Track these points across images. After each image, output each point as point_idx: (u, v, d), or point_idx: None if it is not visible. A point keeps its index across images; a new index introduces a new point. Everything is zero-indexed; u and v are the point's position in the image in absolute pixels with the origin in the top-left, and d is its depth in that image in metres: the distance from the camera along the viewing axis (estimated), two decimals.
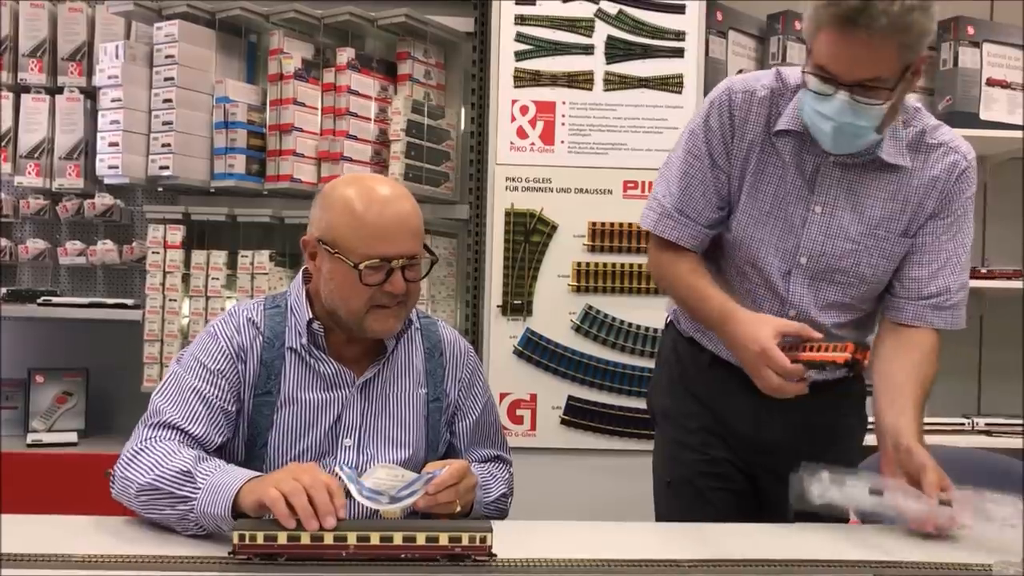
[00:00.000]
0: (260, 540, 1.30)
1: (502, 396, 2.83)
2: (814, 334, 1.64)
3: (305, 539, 1.30)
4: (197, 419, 1.58)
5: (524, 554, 1.38)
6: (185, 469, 1.46)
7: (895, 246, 1.77)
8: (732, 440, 1.88)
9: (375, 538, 1.31)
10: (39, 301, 2.95)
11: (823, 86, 1.60)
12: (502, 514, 1.75)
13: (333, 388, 1.67)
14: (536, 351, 2.84)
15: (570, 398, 2.84)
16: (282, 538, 1.30)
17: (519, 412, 2.85)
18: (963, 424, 2.99)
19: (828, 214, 1.75)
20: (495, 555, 1.34)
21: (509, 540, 1.38)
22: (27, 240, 3.11)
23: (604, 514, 1.85)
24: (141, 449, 1.52)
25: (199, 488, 1.43)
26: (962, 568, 1.40)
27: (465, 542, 1.32)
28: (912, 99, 1.80)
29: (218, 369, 1.62)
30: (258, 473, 1.46)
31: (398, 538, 1.31)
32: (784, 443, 1.83)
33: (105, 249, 3.03)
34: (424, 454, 1.71)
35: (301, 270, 1.73)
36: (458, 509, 1.52)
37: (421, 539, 1.32)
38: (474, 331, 3.04)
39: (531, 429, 2.84)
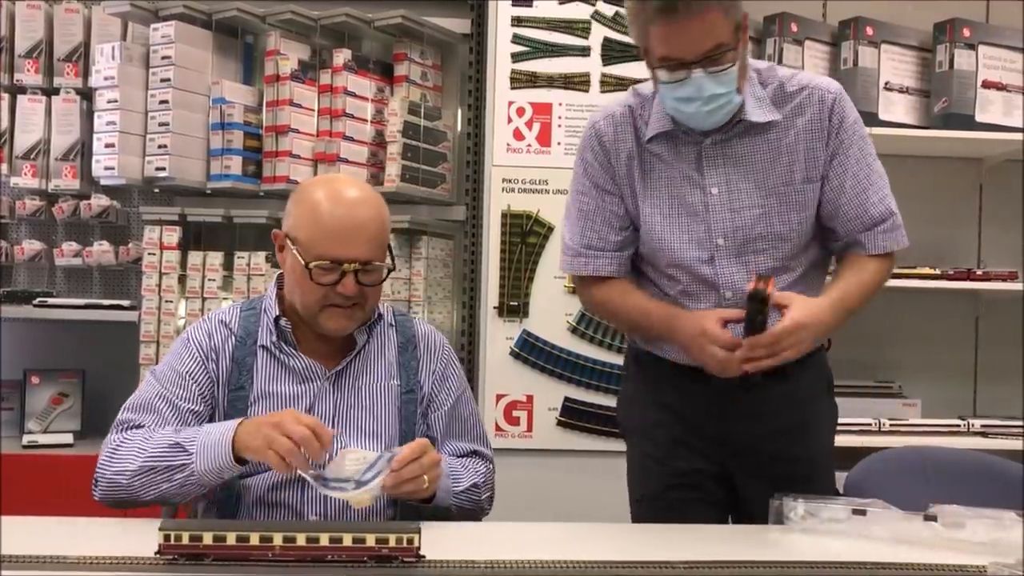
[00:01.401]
0: (185, 540, 1.30)
1: (498, 397, 2.83)
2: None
3: (231, 539, 1.30)
4: (164, 421, 1.66)
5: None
6: (171, 442, 1.58)
7: (800, 195, 1.81)
8: (704, 446, 1.85)
9: (301, 539, 1.31)
10: (35, 302, 2.95)
11: (675, 73, 1.68)
12: (476, 507, 1.76)
13: (305, 381, 1.72)
14: (532, 352, 2.84)
15: (566, 399, 2.84)
16: (207, 538, 1.30)
17: (515, 413, 2.85)
18: (959, 425, 2.99)
19: (725, 191, 1.80)
20: (423, 556, 1.34)
21: (472, 540, 1.38)
22: (23, 241, 3.10)
23: (600, 516, 1.85)
24: (117, 447, 1.62)
25: (191, 452, 1.55)
26: (957, 569, 1.40)
27: (392, 543, 1.32)
28: (760, 62, 1.87)
29: (187, 372, 1.70)
30: (238, 420, 1.58)
31: (324, 539, 1.31)
32: (758, 441, 1.84)
33: (101, 250, 3.03)
34: (399, 445, 1.69)
35: (278, 273, 1.79)
36: (426, 485, 1.55)
37: (348, 540, 1.32)
38: (470, 332, 3.04)
39: (527, 430, 2.84)
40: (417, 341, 1.82)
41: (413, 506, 1.64)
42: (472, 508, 1.75)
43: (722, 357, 1.68)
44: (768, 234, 1.80)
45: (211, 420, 1.69)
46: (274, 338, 1.73)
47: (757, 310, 1.66)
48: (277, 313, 1.73)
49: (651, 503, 1.90)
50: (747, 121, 1.78)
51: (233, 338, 1.73)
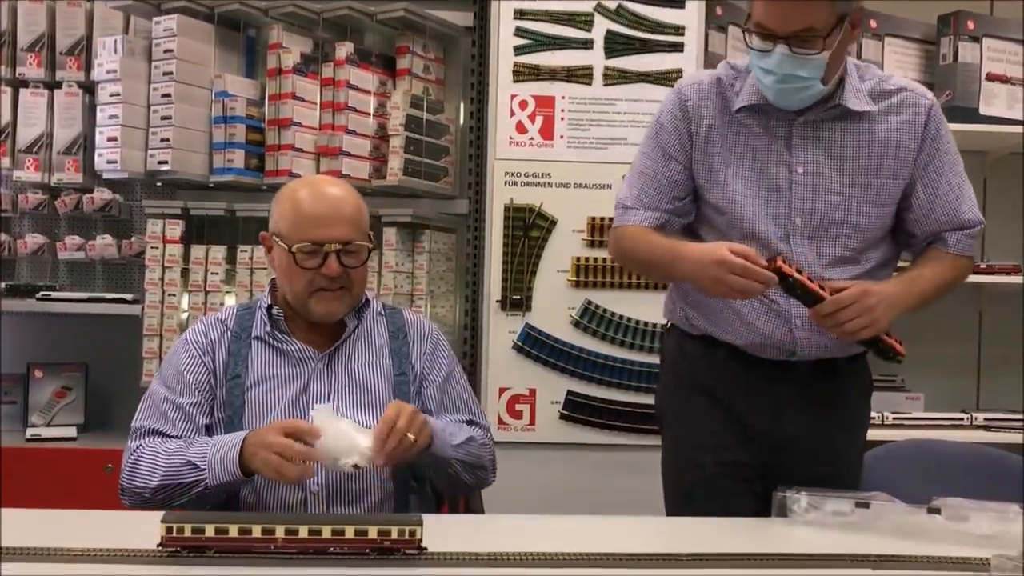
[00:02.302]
0: (188, 533, 1.31)
1: (501, 391, 2.83)
2: (761, 260, 1.69)
3: (233, 532, 1.31)
4: (172, 423, 1.75)
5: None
6: (184, 461, 1.67)
7: (882, 190, 1.83)
8: (749, 440, 1.86)
9: (303, 531, 1.31)
10: (38, 296, 2.95)
11: (763, 42, 1.71)
12: (478, 462, 1.81)
13: (300, 364, 1.81)
14: (535, 346, 2.84)
15: (569, 393, 2.84)
16: (209, 531, 1.31)
17: (518, 407, 2.85)
18: (962, 419, 2.99)
19: (811, 172, 1.81)
20: (425, 548, 1.34)
21: (466, 533, 1.39)
22: (26, 235, 3.10)
23: (603, 509, 1.86)
24: (136, 461, 1.71)
25: (203, 470, 1.64)
26: (960, 562, 1.40)
27: (394, 535, 1.33)
28: (858, 60, 1.90)
29: (186, 368, 1.80)
30: (241, 434, 1.66)
31: (327, 531, 1.32)
32: (801, 439, 1.84)
33: (104, 244, 3.03)
34: None
35: (272, 277, 1.90)
36: (414, 438, 1.61)
37: (350, 532, 1.32)
38: (473, 326, 3.04)
39: (530, 424, 2.84)
40: (407, 329, 1.90)
41: (417, 466, 1.73)
42: (475, 464, 1.80)
43: (742, 285, 1.68)
44: (844, 222, 1.83)
45: (212, 408, 1.79)
46: (267, 327, 1.82)
47: (788, 287, 1.70)
48: (269, 303, 1.84)
49: (699, 493, 1.87)
50: (843, 107, 1.79)
51: (229, 333, 1.83)
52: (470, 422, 1.88)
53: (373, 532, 1.32)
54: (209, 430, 1.78)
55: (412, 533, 1.33)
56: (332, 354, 1.82)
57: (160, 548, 1.31)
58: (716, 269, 1.69)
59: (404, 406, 1.65)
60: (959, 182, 1.88)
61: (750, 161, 1.84)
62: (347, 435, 1.57)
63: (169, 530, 1.30)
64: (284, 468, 1.56)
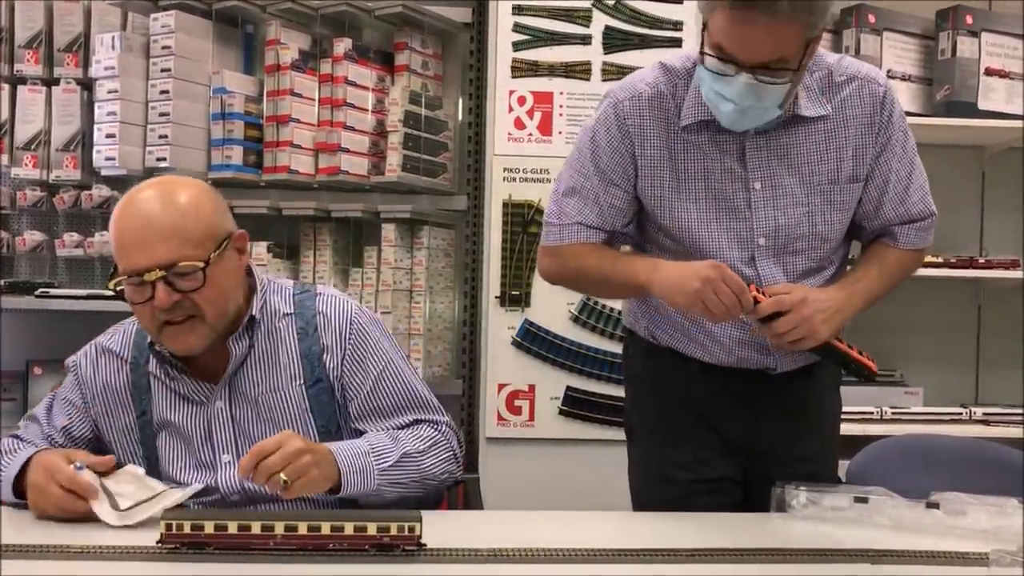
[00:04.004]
0: (187, 529, 1.30)
1: (500, 387, 2.83)
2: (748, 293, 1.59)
3: (232, 528, 1.31)
4: (33, 440, 1.65)
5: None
6: (7, 449, 1.60)
7: (844, 194, 1.72)
8: (729, 452, 1.78)
9: (303, 528, 1.31)
10: (37, 293, 2.94)
11: (723, 66, 1.53)
12: (424, 477, 1.59)
13: (196, 405, 1.62)
14: (534, 342, 2.84)
15: (568, 389, 2.84)
16: (209, 527, 1.30)
17: (517, 403, 2.85)
18: (961, 413, 2.99)
19: (770, 187, 1.69)
20: (425, 544, 1.34)
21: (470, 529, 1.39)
22: (24, 232, 3.09)
23: (602, 504, 1.86)
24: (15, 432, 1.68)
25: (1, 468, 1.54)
26: (959, 556, 1.40)
27: (394, 532, 1.32)
28: None
29: (68, 400, 1.69)
30: (25, 462, 1.52)
31: (326, 528, 1.31)
32: (781, 444, 1.79)
33: (103, 241, 3.02)
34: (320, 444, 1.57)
35: None
36: (284, 481, 1.40)
37: (349, 529, 1.32)
38: (472, 322, 3.04)
39: (529, 420, 2.84)
40: (318, 324, 1.64)
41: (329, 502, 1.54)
42: (419, 482, 1.58)
43: (731, 303, 1.56)
44: (810, 234, 1.71)
45: (119, 450, 1.65)
46: (156, 363, 1.63)
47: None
48: (150, 339, 1.61)
49: (673, 509, 1.75)
50: (799, 114, 1.66)
51: (126, 366, 1.65)
52: (415, 422, 1.65)
53: (372, 528, 1.32)
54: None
55: (411, 529, 1.33)
56: (230, 385, 1.61)
57: (159, 545, 1.31)
58: (706, 281, 1.57)
59: (289, 441, 1.43)
60: (908, 172, 1.75)
61: (703, 182, 1.69)
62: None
63: (168, 527, 1.30)
64: (62, 504, 1.45)
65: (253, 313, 1.62)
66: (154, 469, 1.62)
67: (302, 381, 1.62)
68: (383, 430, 1.63)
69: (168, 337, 1.54)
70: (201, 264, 1.50)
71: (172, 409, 1.62)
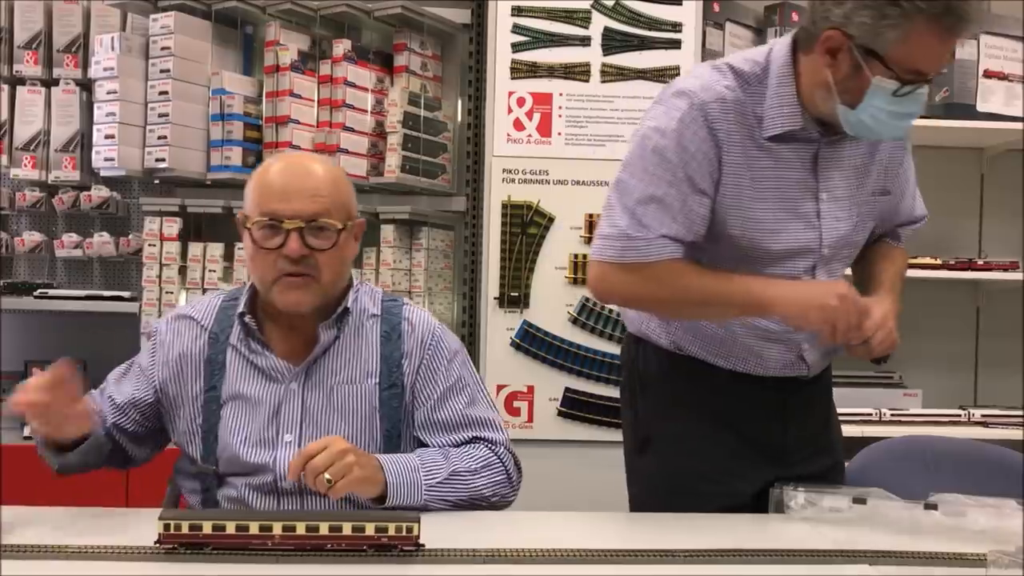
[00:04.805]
0: (185, 530, 1.30)
1: (499, 388, 2.83)
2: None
3: (230, 528, 1.30)
4: (104, 397, 1.69)
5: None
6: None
7: (876, 204, 1.75)
8: (762, 458, 1.73)
9: (301, 528, 1.31)
10: (36, 294, 2.95)
11: (911, 86, 1.51)
12: (472, 495, 1.60)
13: (272, 381, 1.64)
14: (533, 343, 2.84)
15: (567, 390, 2.84)
16: (207, 528, 1.30)
17: (516, 404, 2.85)
18: (959, 415, 2.99)
19: (832, 198, 1.68)
20: (423, 545, 1.34)
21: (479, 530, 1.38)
22: (23, 233, 3.10)
23: (601, 505, 1.85)
24: None
25: None
26: (957, 557, 1.41)
27: (392, 532, 1.32)
28: None
29: (142, 365, 1.71)
30: None
31: (324, 528, 1.31)
32: (805, 444, 1.79)
33: (102, 241, 3.03)
34: (382, 448, 1.63)
35: None
36: (329, 480, 1.42)
37: (347, 529, 1.31)
38: (471, 323, 3.04)
39: (528, 421, 2.84)
40: (402, 330, 1.68)
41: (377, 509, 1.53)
42: (467, 500, 1.60)
43: (872, 325, 1.57)
44: (852, 243, 1.74)
45: (177, 418, 1.67)
46: (242, 335, 1.65)
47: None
48: (243, 309, 1.65)
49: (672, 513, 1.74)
50: None
51: (206, 335, 1.67)
52: (474, 439, 1.66)
53: (370, 529, 1.32)
54: (156, 434, 1.71)
55: (410, 530, 1.33)
56: (308, 370, 1.63)
57: (157, 545, 1.30)
58: (838, 304, 1.54)
59: (335, 442, 1.46)
60: (914, 179, 1.82)
61: (777, 192, 1.65)
62: None
63: (167, 527, 1.30)
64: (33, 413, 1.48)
65: (347, 305, 1.66)
66: (211, 438, 1.63)
67: (378, 381, 1.65)
68: (441, 444, 1.65)
69: (282, 288, 1.58)
70: (339, 226, 1.58)
71: (246, 382, 1.64)
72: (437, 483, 1.57)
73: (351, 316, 1.67)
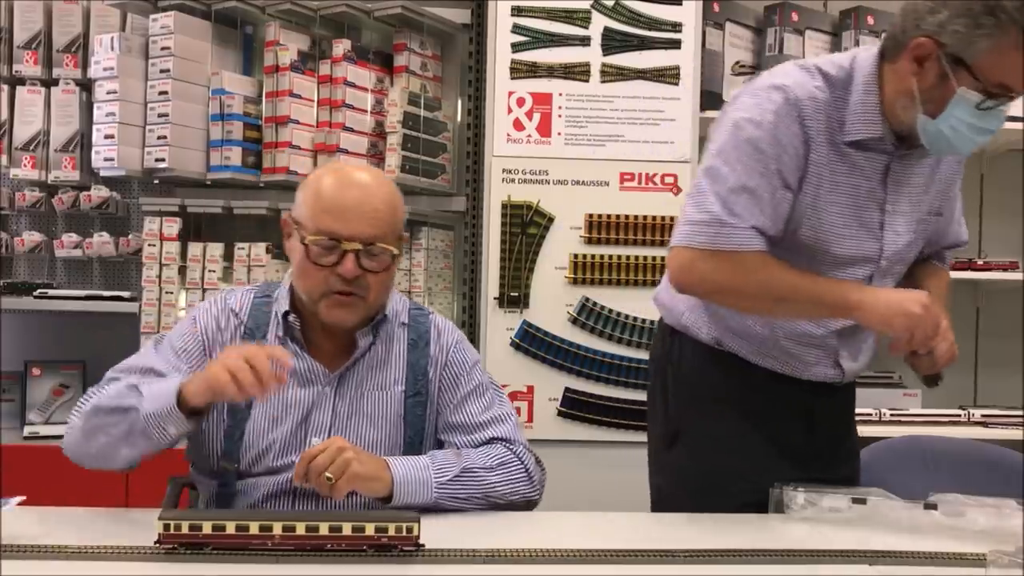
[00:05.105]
0: (185, 529, 1.30)
1: None
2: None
3: (230, 528, 1.30)
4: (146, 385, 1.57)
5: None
6: (129, 384, 1.53)
7: (929, 225, 1.78)
8: (782, 458, 1.74)
9: (301, 528, 1.31)
10: (35, 294, 2.95)
11: (993, 100, 1.53)
12: (486, 493, 1.61)
13: (306, 384, 1.64)
14: (533, 343, 2.84)
15: (567, 390, 2.84)
16: (207, 527, 1.30)
17: (516, 404, 2.84)
18: (959, 415, 2.99)
19: (895, 212, 1.70)
20: (423, 545, 1.34)
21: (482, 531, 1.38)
22: (23, 233, 3.10)
23: (600, 505, 1.85)
24: (87, 398, 1.60)
25: (143, 394, 1.48)
26: (957, 557, 1.41)
27: (391, 532, 1.32)
28: None
29: (184, 352, 1.64)
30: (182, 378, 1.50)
31: (324, 528, 1.31)
32: (828, 448, 1.81)
33: (101, 241, 3.03)
34: (405, 453, 1.65)
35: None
36: (330, 478, 1.45)
37: (347, 529, 1.32)
38: (471, 323, 3.04)
39: (528, 421, 2.84)
40: (430, 339, 1.72)
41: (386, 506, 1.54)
42: (482, 498, 1.61)
43: (933, 332, 1.60)
44: (905, 259, 1.77)
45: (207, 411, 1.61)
46: (280, 333, 1.65)
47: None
48: (287, 308, 1.66)
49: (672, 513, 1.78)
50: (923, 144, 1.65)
51: (242, 327, 1.67)
52: (491, 440, 1.69)
53: (370, 529, 1.32)
54: (201, 436, 1.64)
55: (410, 530, 1.33)
56: (341, 376, 1.66)
57: (157, 545, 1.31)
58: (921, 311, 1.57)
59: (334, 442, 1.49)
60: (961, 204, 1.86)
61: (849, 198, 1.67)
62: None
63: (167, 527, 1.30)
64: (227, 387, 1.40)
65: (385, 313, 1.69)
66: (236, 435, 1.62)
67: (404, 388, 1.68)
68: (459, 446, 1.68)
69: (329, 305, 1.59)
70: (394, 251, 1.60)
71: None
72: (447, 480, 1.58)
73: (385, 324, 1.70)
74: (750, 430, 1.75)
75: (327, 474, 1.45)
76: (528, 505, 1.70)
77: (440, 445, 1.71)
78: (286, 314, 1.66)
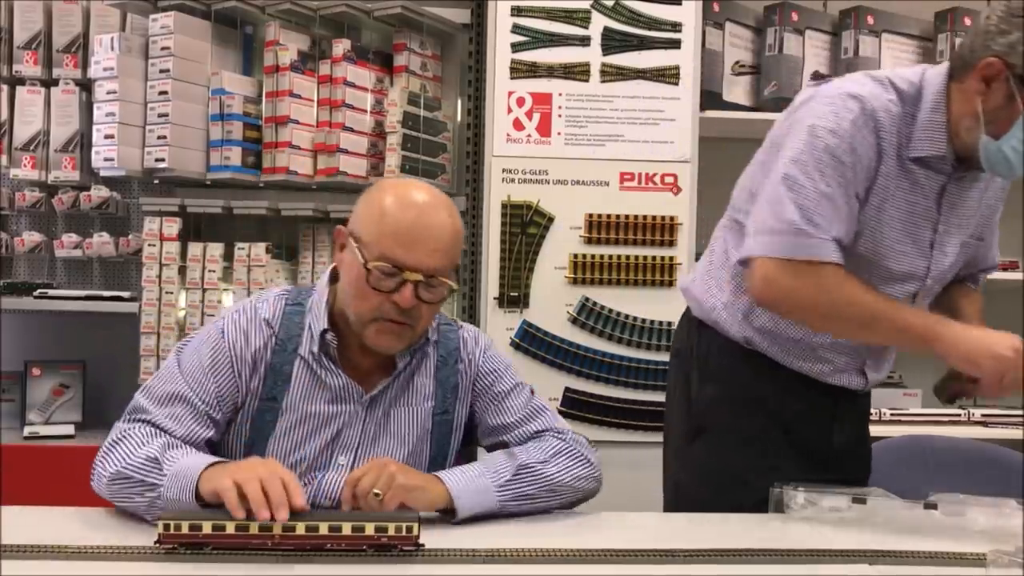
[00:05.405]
0: (185, 529, 1.30)
1: None
2: None
3: (230, 528, 1.30)
4: (177, 420, 1.54)
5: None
6: (152, 456, 1.45)
7: (971, 249, 1.81)
8: (800, 459, 1.78)
9: (300, 528, 1.30)
10: (35, 294, 2.95)
11: None
12: (550, 488, 1.58)
13: (338, 402, 1.61)
14: (533, 343, 2.84)
15: (567, 390, 2.84)
16: (207, 527, 1.30)
17: None
18: (959, 415, 2.99)
19: (946, 232, 1.73)
20: (423, 545, 1.33)
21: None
22: (23, 233, 3.10)
23: (601, 505, 1.85)
24: (117, 440, 1.51)
25: (165, 475, 1.42)
26: (957, 557, 1.41)
27: (391, 532, 1.32)
28: None
29: (214, 370, 1.57)
30: (221, 459, 1.45)
31: (324, 528, 1.31)
32: (840, 456, 1.84)
33: (101, 242, 3.03)
34: (428, 470, 1.61)
35: (330, 267, 1.67)
36: (379, 496, 1.43)
37: (347, 529, 1.31)
38: (471, 323, 3.03)
39: None
40: (460, 355, 1.69)
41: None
42: (549, 491, 1.58)
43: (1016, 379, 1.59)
44: (945, 280, 1.80)
45: (230, 425, 1.60)
46: (315, 349, 1.59)
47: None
48: (325, 325, 1.59)
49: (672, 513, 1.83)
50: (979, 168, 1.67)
51: (274, 339, 1.59)
52: (541, 432, 1.67)
53: (370, 529, 1.32)
54: (220, 450, 1.59)
55: (409, 530, 1.33)
56: (375, 397, 1.62)
57: (157, 545, 1.30)
58: (1012, 355, 1.56)
59: (375, 460, 1.49)
60: (998, 230, 1.89)
61: (906, 215, 1.68)
62: None
63: (166, 527, 1.30)
64: (256, 493, 1.30)
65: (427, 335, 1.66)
66: (259, 448, 1.58)
67: (432, 405, 1.66)
68: (509, 443, 1.66)
69: (378, 330, 1.55)
70: (454, 287, 1.56)
71: (310, 398, 1.60)
72: (506, 481, 1.55)
73: (424, 342, 1.67)
74: (774, 429, 1.78)
75: (375, 490, 1.43)
76: (591, 495, 1.68)
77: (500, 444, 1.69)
78: (324, 332, 1.59)
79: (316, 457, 1.60)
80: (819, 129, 1.62)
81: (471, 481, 1.53)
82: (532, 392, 1.75)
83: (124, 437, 1.52)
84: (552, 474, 1.59)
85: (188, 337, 1.67)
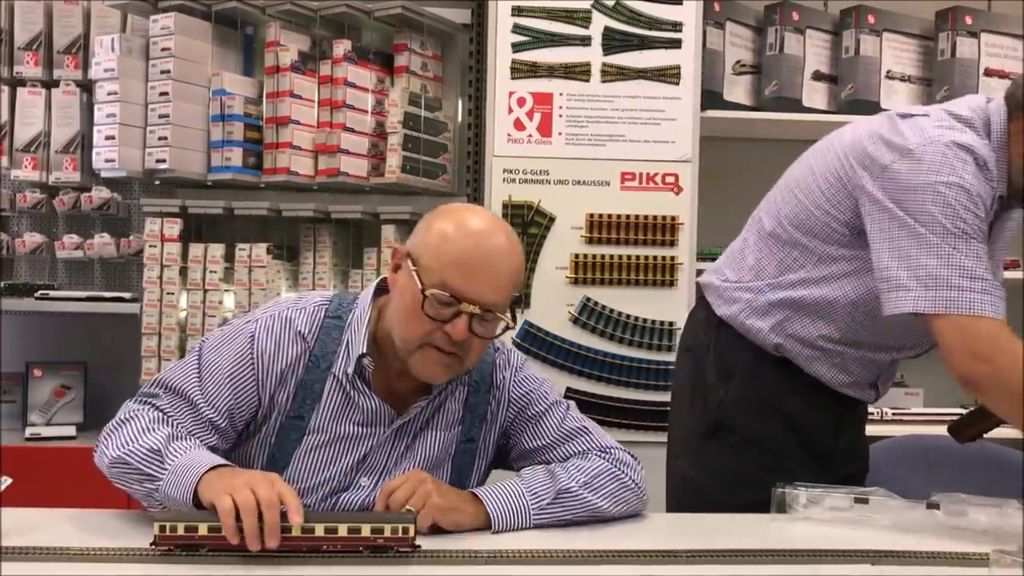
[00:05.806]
0: (181, 531, 1.29)
1: None
2: None
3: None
4: (182, 421, 1.50)
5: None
6: (156, 448, 1.41)
7: None
8: (807, 460, 1.82)
9: (296, 529, 1.29)
10: (37, 295, 2.95)
11: None
12: (587, 511, 1.53)
13: (368, 424, 1.55)
14: (534, 343, 2.84)
15: (568, 390, 2.84)
16: (203, 529, 1.29)
17: None
18: (961, 415, 2.98)
19: (992, 264, 1.70)
20: (419, 546, 1.33)
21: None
22: (24, 234, 3.10)
23: None
24: (125, 420, 1.49)
25: (166, 469, 1.39)
26: (959, 556, 1.40)
27: (388, 533, 1.31)
28: None
29: (233, 377, 1.52)
30: (224, 461, 1.40)
31: (320, 529, 1.30)
32: (843, 455, 1.89)
33: (102, 243, 3.03)
34: None
35: (375, 282, 1.62)
36: (413, 511, 1.40)
37: (343, 530, 1.31)
38: None
39: None
40: (492, 381, 1.62)
41: None
42: (587, 517, 1.53)
43: None
44: None
45: (251, 436, 1.55)
46: (350, 371, 1.53)
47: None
48: (363, 350, 1.52)
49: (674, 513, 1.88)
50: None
51: (308, 355, 1.53)
52: (576, 454, 1.61)
53: (366, 530, 1.31)
54: (238, 459, 1.55)
55: (406, 531, 1.32)
56: (406, 421, 1.57)
57: (153, 547, 1.30)
58: None
59: (413, 474, 1.46)
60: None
61: (994, 253, 1.71)
62: None
63: (162, 529, 1.30)
64: (249, 512, 1.26)
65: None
66: (280, 465, 1.54)
67: (459, 431, 1.61)
68: (549, 460, 1.61)
69: (425, 359, 1.48)
70: (509, 323, 1.51)
71: (340, 420, 1.55)
72: (547, 505, 1.51)
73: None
74: (784, 430, 1.83)
75: (408, 507, 1.40)
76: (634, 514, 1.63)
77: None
78: (362, 356, 1.53)
79: (340, 479, 1.55)
80: (943, 187, 1.59)
81: (509, 503, 1.49)
82: (569, 408, 1.67)
83: (132, 418, 1.49)
84: (593, 502, 1.54)
85: (220, 328, 1.62)
